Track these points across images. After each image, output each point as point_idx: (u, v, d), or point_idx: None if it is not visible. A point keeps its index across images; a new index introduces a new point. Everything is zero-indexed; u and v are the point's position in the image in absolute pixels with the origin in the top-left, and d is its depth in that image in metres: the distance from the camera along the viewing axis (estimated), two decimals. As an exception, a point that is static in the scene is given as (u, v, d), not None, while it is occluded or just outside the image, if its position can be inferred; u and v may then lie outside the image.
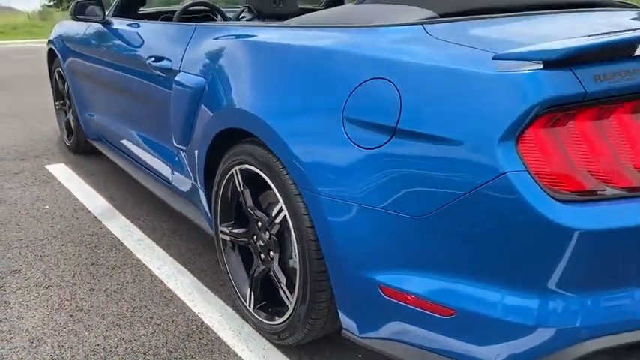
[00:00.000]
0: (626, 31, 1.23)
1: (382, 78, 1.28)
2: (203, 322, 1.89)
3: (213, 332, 1.83)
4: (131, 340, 1.79)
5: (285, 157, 1.49)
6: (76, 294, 2.06)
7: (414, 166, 1.21)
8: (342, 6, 1.90)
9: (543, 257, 1.10)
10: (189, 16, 2.92)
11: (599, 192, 1.08)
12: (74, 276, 2.19)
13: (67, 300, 2.02)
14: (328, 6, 3.71)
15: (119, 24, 2.80)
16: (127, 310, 1.96)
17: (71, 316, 1.92)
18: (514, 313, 1.16)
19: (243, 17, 2.54)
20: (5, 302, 2.01)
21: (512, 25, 1.44)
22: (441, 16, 1.45)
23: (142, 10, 3.06)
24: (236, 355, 1.72)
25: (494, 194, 1.09)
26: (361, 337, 1.44)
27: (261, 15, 2.37)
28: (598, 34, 1.20)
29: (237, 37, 1.85)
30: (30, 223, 2.70)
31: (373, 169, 1.28)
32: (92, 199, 3.01)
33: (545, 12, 1.59)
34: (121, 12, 2.90)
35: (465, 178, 1.13)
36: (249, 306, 1.81)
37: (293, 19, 1.79)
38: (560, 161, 1.08)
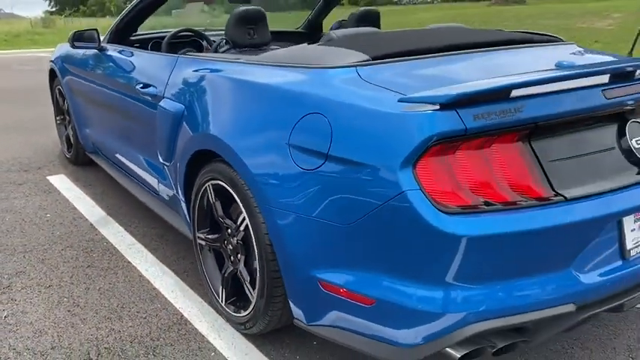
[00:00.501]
0: (514, 74, 1.53)
1: (319, 113, 1.58)
2: (182, 315, 2.19)
3: (190, 324, 2.13)
4: (120, 331, 2.09)
5: (246, 175, 1.79)
6: (73, 292, 2.36)
7: (341, 184, 1.51)
8: (298, 46, 2.19)
9: (437, 257, 1.39)
10: (177, 41, 3.22)
11: (479, 206, 1.38)
12: (72, 277, 2.49)
13: (65, 297, 2.32)
14: (305, 29, 4.02)
15: (113, 50, 3.10)
16: (117, 306, 2.26)
17: (69, 311, 2.22)
18: (422, 302, 1.45)
19: (221, 48, 2.85)
20: (12, 299, 2.31)
21: (426, 68, 1.73)
22: (373, 59, 1.75)
23: (134, 35, 3.35)
24: (209, 343, 2.02)
25: (397, 208, 1.39)
26: (308, 325, 1.74)
27: (237, 45, 2.68)
28: (493, 76, 1.49)
29: (211, 70, 2.15)
30: (33, 230, 3.00)
31: (311, 186, 1.57)
32: (89, 208, 3.31)
33: (461, 52, 1.89)
34: (115, 38, 3.21)
35: (376, 195, 1.42)
36: (221, 301, 2.11)
37: (258, 56, 2.09)
38: (448, 182, 1.38)
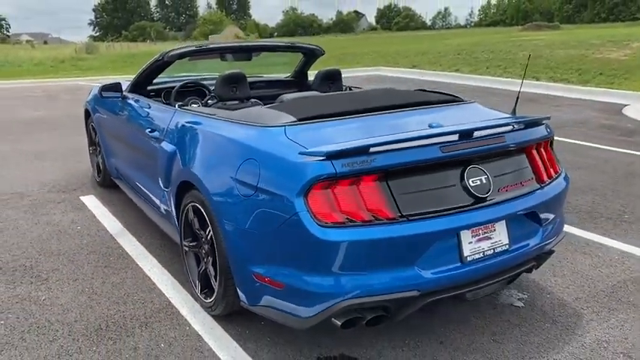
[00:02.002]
0: (388, 134, 2.27)
1: (253, 159, 2.35)
2: (170, 302, 2.96)
3: (175, 308, 2.90)
4: (124, 312, 2.87)
5: (210, 199, 2.56)
6: (93, 284, 3.16)
7: (263, 206, 2.26)
8: (255, 108, 2.95)
9: (318, 255, 2.12)
10: (185, 90, 4.06)
11: (346, 222, 2.11)
12: (92, 273, 3.30)
13: (87, 288, 3.12)
14: (294, 77, 4.82)
15: (132, 99, 3.96)
16: (124, 295, 3.04)
17: (89, 297, 3.02)
18: (312, 286, 2.17)
19: (209, 101, 3.66)
20: (49, 288, 3.12)
21: (334, 127, 2.48)
22: (299, 120, 2.51)
23: (150, 86, 4.19)
24: (187, 321, 2.77)
25: (294, 222, 2.12)
26: (250, 306, 2.48)
27: (222, 99, 3.48)
28: (379, 135, 2.22)
29: (194, 123, 2.96)
30: (66, 238, 3.85)
31: (247, 207, 2.33)
32: (111, 222, 4.15)
33: (371, 114, 2.63)
34: (135, 89, 4.06)
35: (283, 214, 2.16)
36: (198, 291, 2.87)
37: (227, 113, 2.87)
38: (326, 207, 2.11)
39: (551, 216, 2.65)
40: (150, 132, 3.38)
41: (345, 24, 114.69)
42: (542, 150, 2.71)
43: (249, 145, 2.45)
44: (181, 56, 3.71)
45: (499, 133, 2.44)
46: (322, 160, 2.11)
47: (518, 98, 2.95)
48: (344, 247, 2.10)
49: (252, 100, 3.64)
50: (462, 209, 2.29)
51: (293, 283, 2.22)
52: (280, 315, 2.34)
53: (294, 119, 2.52)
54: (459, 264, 2.30)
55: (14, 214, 4.36)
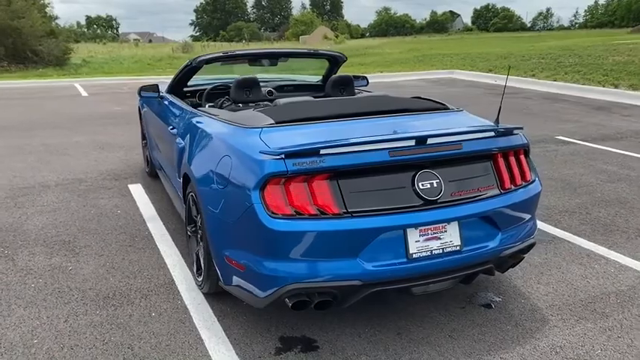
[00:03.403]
0: (353, 137, 2.50)
1: (228, 155, 2.67)
2: (173, 280, 3.35)
3: (175, 285, 3.28)
4: (132, 284, 3.29)
5: (197, 190, 2.91)
6: (114, 260, 3.63)
7: (231, 196, 2.56)
8: (247, 111, 3.25)
9: (269, 242, 2.40)
10: (216, 92, 4.47)
11: (295, 215, 2.37)
12: (117, 251, 3.77)
13: (108, 262, 3.59)
14: (323, 81, 5.10)
15: (167, 99, 4.42)
16: (136, 270, 3.48)
17: (107, 270, 3.48)
18: (265, 269, 2.45)
19: (223, 103, 4.03)
20: (77, 261, 3.63)
21: (303, 130, 2.74)
22: (277, 123, 2.79)
23: (186, 87, 4.64)
24: (180, 296, 3.15)
25: (251, 213, 2.41)
26: (225, 286, 2.80)
27: (236, 102, 3.84)
28: (344, 138, 2.47)
29: (198, 122, 3.33)
30: (105, 220, 4.38)
31: (221, 197, 2.65)
32: (147, 209, 4.65)
33: (346, 119, 2.86)
34: (171, 89, 4.52)
35: (244, 204, 2.46)
36: (195, 270, 3.24)
37: (226, 114, 3.22)
38: (278, 200, 2.38)
39: (513, 222, 2.75)
40: (171, 129, 3.80)
41: (440, 24, 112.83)
42: (511, 158, 2.81)
43: (228, 143, 2.77)
44: (208, 62, 4.10)
45: (455, 141, 2.59)
46: (276, 158, 2.38)
47: (500, 109, 3.04)
48: (290, 236, 2.36)
49: (264, 102, 3.97)
50: (409, 209, 2.47)
51: (251, 266, 2.52)
52: (245, 294, 2.64)
53: (273, 122, 2.80)
54: (404, 260, 2.48)
55: (69, 196, 4.99)
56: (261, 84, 4.49)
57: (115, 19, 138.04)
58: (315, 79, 5.29)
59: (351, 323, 2.84)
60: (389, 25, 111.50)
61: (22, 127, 8.55)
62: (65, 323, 2.86)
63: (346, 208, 2.40)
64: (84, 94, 13.37)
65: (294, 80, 5.30)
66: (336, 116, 2.91)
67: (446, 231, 2.55)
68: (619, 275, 3.39)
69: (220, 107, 3.98)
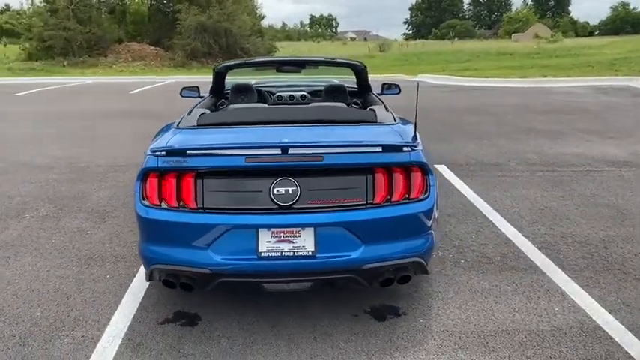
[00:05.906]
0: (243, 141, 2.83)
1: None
2: (147, 252, 3.98)
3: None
4: (134, 252, 4.02)
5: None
6: (122, 231, 4.40)
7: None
8: (198, 112, 3.67)
9: (143, 227, 2.84)
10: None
11: (161, 205, 2.77)
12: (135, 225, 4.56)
13: (119, 231, 4.38)
14: (357, 87, 5.27)
15: (204, 99, 5.07)
16: (134, 241, 4.20)
17: (116, 236, 4.26)
18: (142, 250, 2.89)
19: (221, 104, 4.49)
20: (98, 227, 4.49)
21: (215, 134, 3.09)
22: (198, 125, 3.21)
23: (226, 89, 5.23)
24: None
25: (135, 200, 2.88)
26: (150, 260, 3.32)
27: (232, 103, 4.30)
28: (236, 142, 2.83)
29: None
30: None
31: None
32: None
33: (260, 126, 3.15)
34: (211, 91, 5.16)
35: (134, 192, 2.94)
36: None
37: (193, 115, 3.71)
38: (152, 192, 2.80)
39: (383, 237, 2.75)
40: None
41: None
42: (397, 175, 2.79)
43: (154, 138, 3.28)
44: (228, 68, 4.63)
45: (315, 154, 2.71)
46: (152, 155, 2.82)
47: (416, 125, 3.02)
48: (154, 223, 2.78)
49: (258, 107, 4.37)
50: (262, 212, 2.70)
51: (139, 247, 2.99)
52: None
53: (196, 124, 3.23)
54: (254, 257, 2.71)
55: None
56: (297, 88, 4.88)
57: (335, 19, 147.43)
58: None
59: (240, 312, 3.13)
60: (624, 22, 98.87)
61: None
62: (47, 272, 3.67)
63: (203, 204, 2.73)
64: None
65: (331, 81, 5.55)
66: (257, 123, 3.21)
67: (300, 236, 2.70)
68: (558, 315, 3.06)
69: (217, 109, 4.49)
